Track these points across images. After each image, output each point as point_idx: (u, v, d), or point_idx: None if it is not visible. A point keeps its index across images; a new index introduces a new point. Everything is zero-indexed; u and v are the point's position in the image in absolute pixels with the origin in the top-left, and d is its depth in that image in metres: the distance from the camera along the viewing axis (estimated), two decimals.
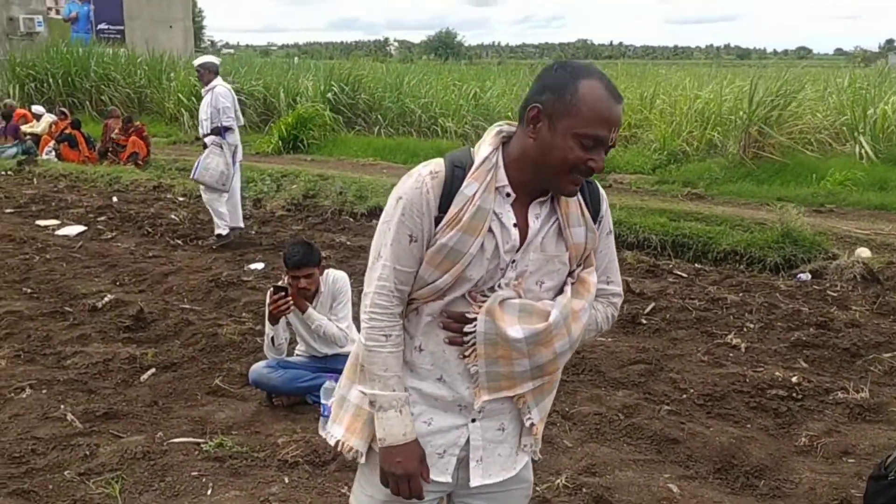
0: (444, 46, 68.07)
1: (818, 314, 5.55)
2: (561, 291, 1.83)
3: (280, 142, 13.39)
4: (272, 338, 4.18)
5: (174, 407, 4.19)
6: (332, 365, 4.31)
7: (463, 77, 18.70)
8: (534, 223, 1.77)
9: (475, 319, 1.75)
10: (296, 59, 30.40)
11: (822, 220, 8.25)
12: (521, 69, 26.20)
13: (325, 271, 4.31)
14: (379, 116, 15.52)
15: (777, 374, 4.55)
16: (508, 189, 1.74)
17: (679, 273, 6.72)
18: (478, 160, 1.74)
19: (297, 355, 4.45)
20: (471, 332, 1.76)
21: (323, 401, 3.87)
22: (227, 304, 5.88)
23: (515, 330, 1.74)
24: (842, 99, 13.64)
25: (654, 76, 21.22)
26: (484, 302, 1.76)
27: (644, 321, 5.47)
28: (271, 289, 4.14)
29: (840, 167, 10.67)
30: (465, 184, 1.72)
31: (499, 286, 1.77)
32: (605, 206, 1.89)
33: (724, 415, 4.12)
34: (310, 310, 4.18)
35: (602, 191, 1.90)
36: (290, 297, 4.06)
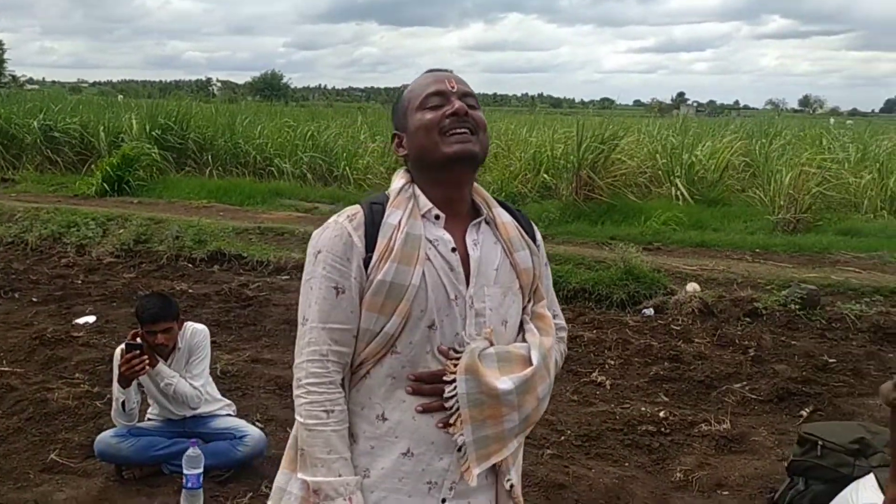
0: (269, 88, 67.07)
1: (668, 348, 5.80)
2: (521, 330, 1.70)
3: (104, 183, 12.40)
4: (122, 402, 3.71)
5: (1, 490, 3.59)
6: (191, 428, 3.90)
7: (296, 119, 18.37)
8: (474, 250, 1.64)
9: (453, 381, 1.56)
10: (119, 96, 28.76)
11: (654, 258, 8.71)
12: (352, 111, 26.35)
13: (185, 325, 3.91)
14: (210, 157, 14.86)
15: (643, 409, 4.66)
16: (436, 210, 1.64)
17: None
18: (394, 191, 1.66)
19: (150, 419, 3.99)
20: (452, 397, 1.56)
21: (186, 471, 3.47)
22: (56, 364, 5.22)
23: (503, 382, 1.57)
24: (654, 146, 14.75)
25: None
26: (458, 359, 1.56)
27: None
28: (122, 346, 3.69)
29: (662, 208, 11.44)
30: (387, 214, 1.61)
31: (468, 337, 1.59)
32: (539, 235, 1.81)
33: (603, 454, 4.14)
34: (160, 365, 3.76)
35: (533, 223, 1.83)
36: (145, 356, 3.63)
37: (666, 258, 8.95)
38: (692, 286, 7.61)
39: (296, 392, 1.60)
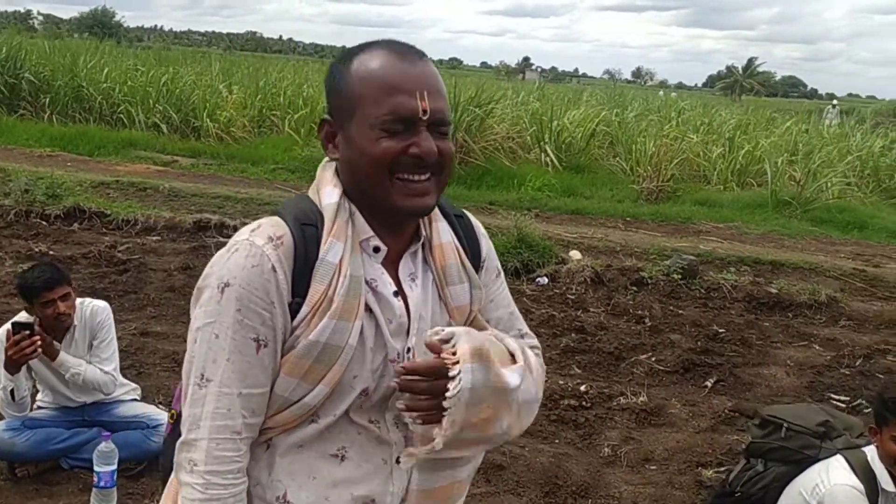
0: (99, 25, 61.83)
1: (569, 318, 5.86)
2: None
3: None
4: (11, 391, 3.22)
5: None
6: (92, 416, 3.48)
7: (147, 63, 17.00)
8: (411, 288, 1.29)
9: (457, 374, 1.17)
10: None
11: (535, 225, 8.82)
12: (200, 56, 24.79)
13: (79, 300, 3.43)
14: (48, 100, 13.44)
15: (561, 382, 4.66)
16: (376, 241, 1.26)
17: None
18: (329, 210, 1.23)
19: (41, 407, 3.50)
20: (454, 395, 1.16)
21: (98, 468, 3.07)
22: None
23: (512, 374, 1.23)
24: (518, 111, 14.92)
25: None
26: (450, 346, 1.19)
27: None
28: (7, 326, 3.18)
29: (533, 174, 11.61)
30: (325, 247, 1.20)
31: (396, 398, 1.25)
32: (485, 243, 1.44)
33: (533, 432, 4.08)
34: (62, 355, 3.28)
35: (479, 225, 1.45)
36: (37, 337, 3.15)
37: (546, 225, 9.08)
38: (575, 254, 7.76)
39: (187, 478, 1.19)
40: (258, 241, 1.18)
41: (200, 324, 1.19)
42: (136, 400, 3.62)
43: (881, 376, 5.13)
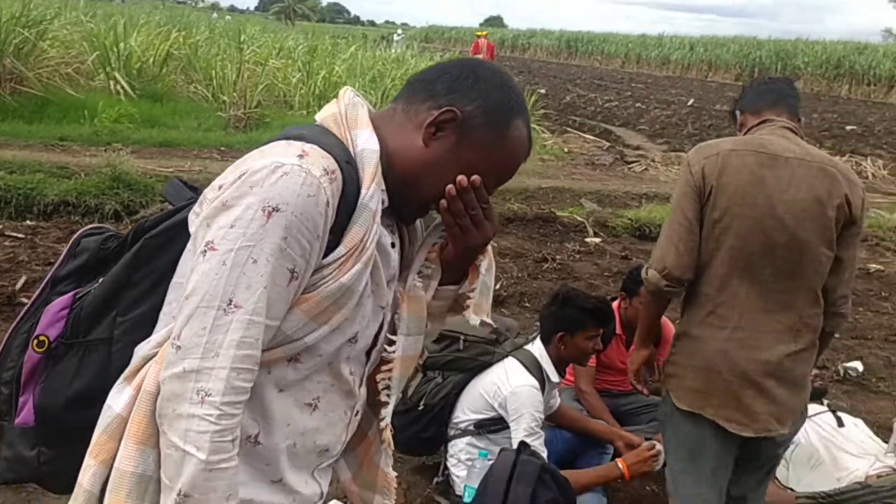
0: None
1: None
2: None
3: None
4: None
5: None
6: None
7: None
8: (396, 240, 1.34)
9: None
10: None
11: (132, 161, 7.86)
12: None
13: None
14: None
15: None
16: (384, 195, 1.24)
17: (15, 234, 5.61)
18: (373, 157, 1.20)
19: None
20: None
21: None
22: None
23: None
24: (75, 31, 13.21)
25: None
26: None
27: (24, 299, 4.47)
28: None
29: (106, 103, 10.44)
30: (368, 193, 1.18)
31: (381, 344, 1.33)
32: None
33: None
34: None
35: None
36: None
37: (135, 159, 8.24)
38: None
39: (194, 410, 1.07)
40: (315, 171, 1.11)
41: (234, 245, 1.08)
42: None
43: None
